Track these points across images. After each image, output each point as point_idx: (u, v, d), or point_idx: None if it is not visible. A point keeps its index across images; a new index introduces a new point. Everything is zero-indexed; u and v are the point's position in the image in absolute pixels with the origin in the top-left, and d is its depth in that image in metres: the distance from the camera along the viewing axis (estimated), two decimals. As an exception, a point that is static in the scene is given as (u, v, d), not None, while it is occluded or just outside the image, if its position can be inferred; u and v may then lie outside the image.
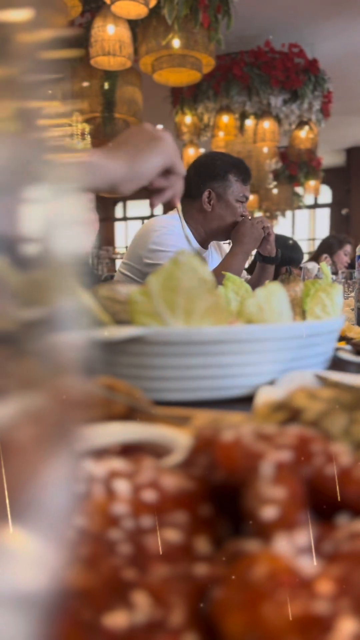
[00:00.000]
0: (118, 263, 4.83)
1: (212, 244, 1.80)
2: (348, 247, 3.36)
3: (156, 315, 0.48)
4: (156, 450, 0.27)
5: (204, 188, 1.63)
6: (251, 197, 5.60)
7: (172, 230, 1.57)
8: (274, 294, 0.55)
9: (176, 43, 2.76)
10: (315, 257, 3.42)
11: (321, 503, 0.18)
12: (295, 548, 0.16)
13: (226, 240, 1.73)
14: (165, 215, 1.75)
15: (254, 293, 0.54)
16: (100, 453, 0.27)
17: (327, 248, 3.38)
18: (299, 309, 0.65)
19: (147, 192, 0.82)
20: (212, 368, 0.50)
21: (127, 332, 0.47)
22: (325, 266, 0.75)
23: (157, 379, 0.50)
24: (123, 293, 0.51)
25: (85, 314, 0.48)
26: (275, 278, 2.52)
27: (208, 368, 0.50)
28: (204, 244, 1.73)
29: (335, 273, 1.98)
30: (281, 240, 2.57)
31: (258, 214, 6.22)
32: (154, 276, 0.48)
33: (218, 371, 0.51)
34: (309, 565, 0.15)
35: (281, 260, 2.42)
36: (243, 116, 4.23)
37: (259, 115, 4.21)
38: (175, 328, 0.48)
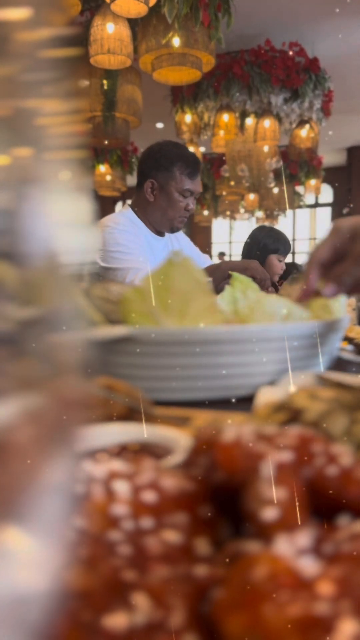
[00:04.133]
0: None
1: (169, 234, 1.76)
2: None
3: (149, 315, 0.48)
4: (156, 451, 0.27)
5: (147, 178, 1.60)
6: (252, 197, 5.61)
7: (117, 228, 1.54)
8: (266, 295, 0.55)
9: (176, 42, 2.75)
10: None
11: (322, 504, 0.18)
12: (295, 549, 0.16)
13: (170, 232, 1.69)
14: (117, 212, 1.72)
15: (249, 295, 0.55)
16: (100, 453, 0.27)
17: None
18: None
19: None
20: (213, 368, 0.50)
21: (121, 332, 0.47)
22: None
23: (157, 379, 0.50)
24: (116, 293, 0.51)
25: (83, 314, 0.48)
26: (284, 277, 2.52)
27: (208, 368, 0.50)
28: (158, 233, 1.69)
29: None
30: (265, 230, 2.57)
31: (259, 213, 6.20)
32: (149, 276, 0.48)
33: (218, 371, 0.51)
34: (309, 566, 0.15)
35: (264, 250, 2.41)
36: (243, 115, 4.22)
37: (260, 114, 4.20)
38: (176, 328, 0.48)
